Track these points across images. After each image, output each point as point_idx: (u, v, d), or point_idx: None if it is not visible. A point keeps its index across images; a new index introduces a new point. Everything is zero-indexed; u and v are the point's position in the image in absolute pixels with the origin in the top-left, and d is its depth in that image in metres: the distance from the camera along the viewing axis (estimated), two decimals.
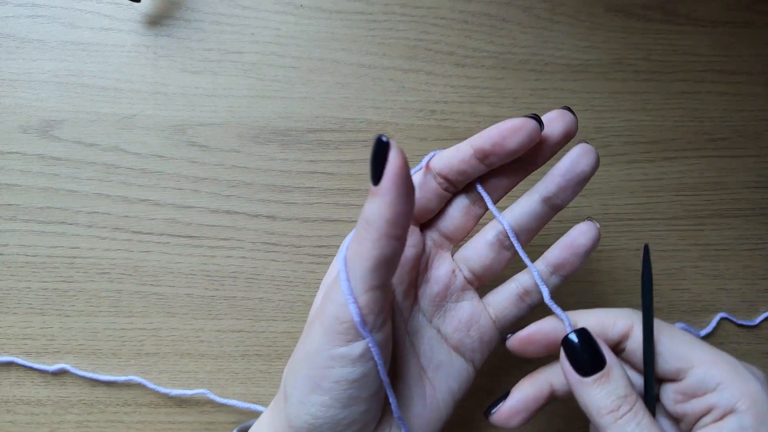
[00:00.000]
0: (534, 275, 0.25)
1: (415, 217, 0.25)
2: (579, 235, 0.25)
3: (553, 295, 0.25)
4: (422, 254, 0.25)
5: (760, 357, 0.34)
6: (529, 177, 0.26)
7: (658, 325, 0.22)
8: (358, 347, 0.20)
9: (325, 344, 0.21)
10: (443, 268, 0.26)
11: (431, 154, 0.24)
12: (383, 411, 0.23)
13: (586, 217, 0.26)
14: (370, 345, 0.20)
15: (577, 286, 0.34)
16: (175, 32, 0.33)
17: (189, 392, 0.31)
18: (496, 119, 0.35)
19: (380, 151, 0.18)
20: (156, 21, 0.33)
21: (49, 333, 0.31)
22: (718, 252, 0.35)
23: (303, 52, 0.34)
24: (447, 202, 0.25)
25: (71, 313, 0.31)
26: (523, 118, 0.22)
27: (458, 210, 0.25)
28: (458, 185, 0.25)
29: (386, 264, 0.20)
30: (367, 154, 0.34)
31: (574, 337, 0.21)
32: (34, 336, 0.31)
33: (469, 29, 0.35)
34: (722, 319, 0.34)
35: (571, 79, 0.36)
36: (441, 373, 0.25)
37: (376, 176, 0.19)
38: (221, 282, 0.32)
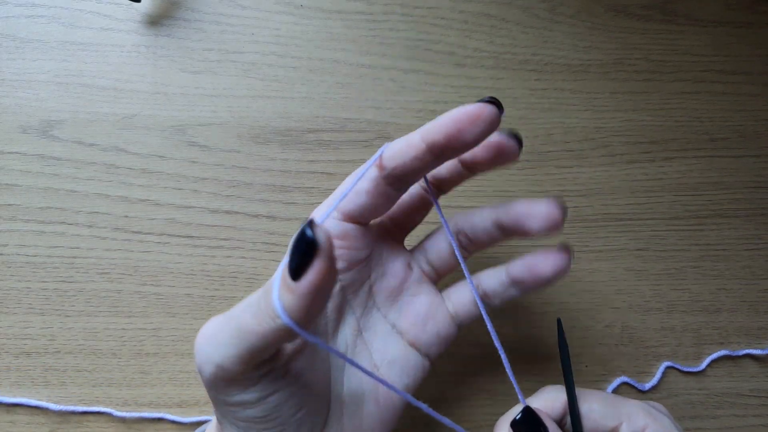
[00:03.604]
0: (489, 329, 0.23)
1: (363, 218, 0.23)
2: (543, 262, 0.23)
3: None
4: (373, 253, 0.25)
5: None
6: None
7: (586, 393, 0.24)
8: (253, 392, 0.19)
9: (219, 395, 0.20)
10: (399, 262, 0.25)
11: (383, 147, 0.22)
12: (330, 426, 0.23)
13: (561, 244, 0.23)
14: (314, 342, 0.17)
15: (577, 286, 0.34)
16: (175, 32, 0.33)
17: (190, 419, 0.31)
18: None
19: (306, 248, 0.15)
20: (156, 21, 0.33)
21: (49, 333, 0.31)
22: (718, 252, 0.35)
23: (303, 52, 0.34)
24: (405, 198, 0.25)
25: (71, 313, 0.31)
26: (481, 104, 0.19)
27: (411, 198, 0.25)
28: (411, 183, 0.22)
29: (276, 342, 0.18)
30: (367, 154, 0.34)
31: (519, 417, 0.22)
32: (34, 336, 0.31)
33: (469, 29, 0.35)
34: (668, 368, 0.34)
35: (571, 79, 0.36)
36: (395, 369, 0.24)
37: (296, 272, 0.15)
38: (221, 282, 0.32)
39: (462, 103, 0.35)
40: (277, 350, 0.20)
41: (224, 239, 0.32)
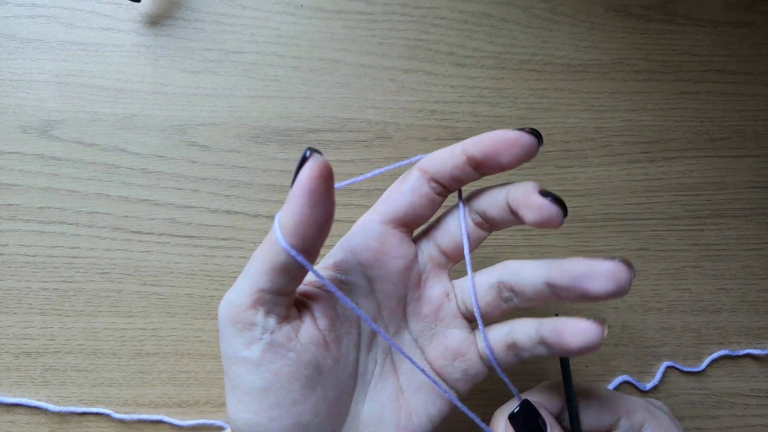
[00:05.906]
0: (490, 358, 0.23)
1: (407, 223, 0.24)
2: (572, 332, 0.20)
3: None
4: (413, 267, 0.24)
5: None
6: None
7: (584, 388, 0.24)
8: (256, 349, 0.20)
9: (228, 349, 0.21)
10: (437, 289, 0.24)
11: (418, 157, 0.23)
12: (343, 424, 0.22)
13: (595, 317, 0.21)
14: (302, 263, 0.19)
15: None
16: (175, 32, 0.33)
17: (189, 423, 0.31)
18: (496, 119, 0.35)
19: (301, 161, 0.18)
20: (156, 21, 0.33)
21: (49, 333, 0.31)
22: (718, 252, 0.35)
23: (303, 52, 0.34)
24: (449, 219, 0.24)
25: (71, 313, 0.31)
26: (519, 133, 0.20)
27: (459, 229, 0.24)
28: (452, 189, 0.23)
29: (277, 271, 0.20)
30: (367, 154, 0.34)
31: (517, 410, 0.23)
32: (34, 336, 0.31)
33: (469, 29, 0.35)
34: (668, 367, 0.34)
35: (571, 79, 0.36)
36: (420, 396, 0.24)
37: (293, 179, 0.18)
38: (221, 282, 0.32)
39: (460, 102, 0.35)
40: (283, 299, 0.20)
41: (224, 239, 0.32)
